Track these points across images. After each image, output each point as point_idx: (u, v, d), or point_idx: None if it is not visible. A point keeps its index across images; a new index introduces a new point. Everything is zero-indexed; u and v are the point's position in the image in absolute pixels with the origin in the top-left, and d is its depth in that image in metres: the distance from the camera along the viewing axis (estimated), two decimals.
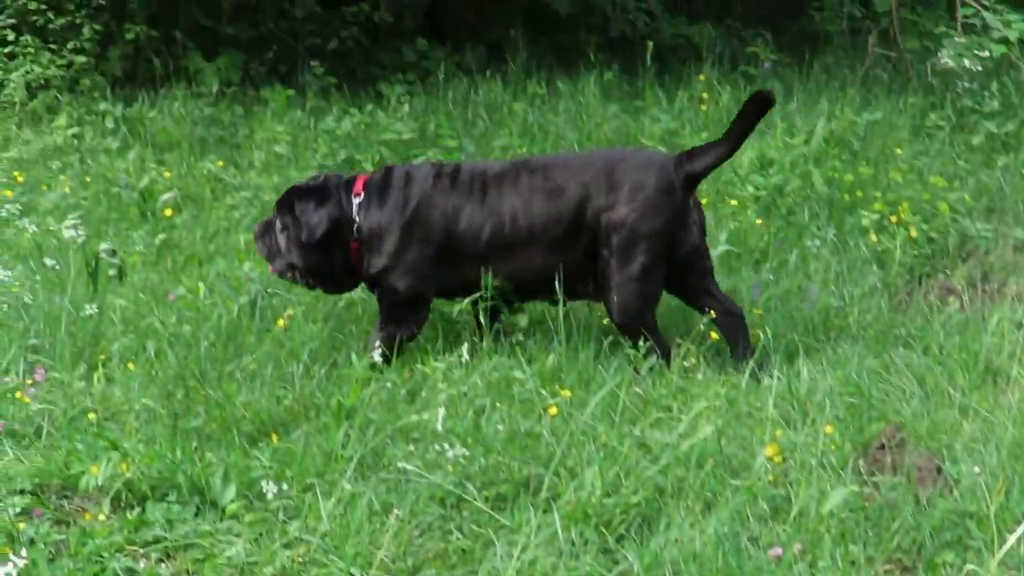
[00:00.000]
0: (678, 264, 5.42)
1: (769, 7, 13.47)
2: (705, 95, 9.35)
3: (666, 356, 5.27)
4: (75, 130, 9.24)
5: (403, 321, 5.42)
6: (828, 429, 4.46)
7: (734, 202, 7.27)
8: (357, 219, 5.44)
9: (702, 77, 9.84)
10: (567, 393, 4.75)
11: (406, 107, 9.43)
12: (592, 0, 11.54)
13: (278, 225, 5.52)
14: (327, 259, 5.48)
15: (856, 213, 7.26)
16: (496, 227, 5.36)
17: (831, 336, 5.86)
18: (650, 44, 10.13)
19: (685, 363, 5.18)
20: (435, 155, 8.32)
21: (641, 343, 5.17)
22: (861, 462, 4.43)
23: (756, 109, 5.37)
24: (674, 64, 11.27)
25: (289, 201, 5.50)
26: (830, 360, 5.44)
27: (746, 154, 7.83)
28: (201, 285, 5.88)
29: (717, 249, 6.55)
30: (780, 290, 6.27)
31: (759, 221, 7.03)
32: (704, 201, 7.21)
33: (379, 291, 5.48)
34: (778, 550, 3.77)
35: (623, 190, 5.32)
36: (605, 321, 5.84)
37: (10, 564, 3.48)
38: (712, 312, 5.41)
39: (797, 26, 13.00)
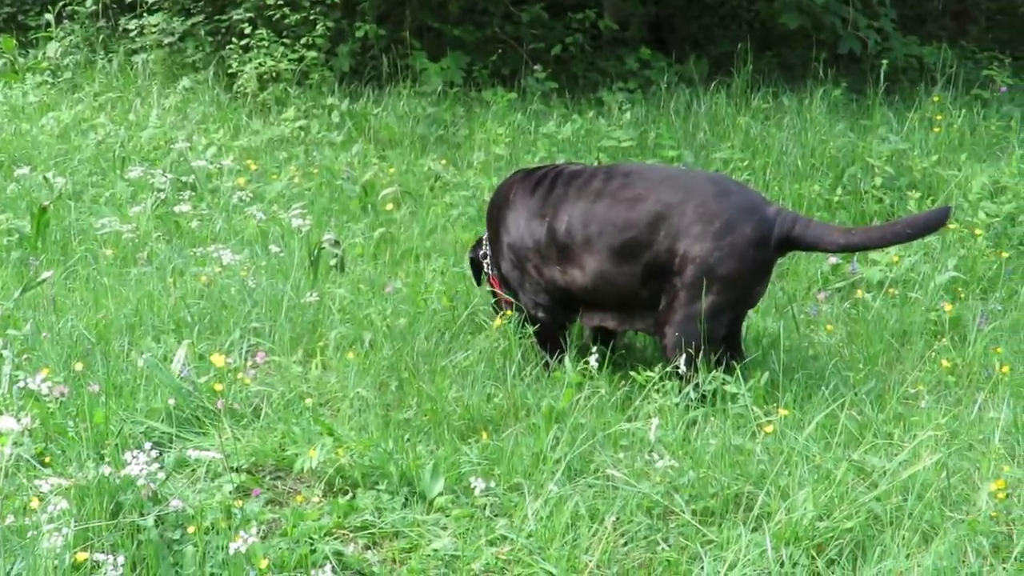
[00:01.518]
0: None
1: (1007, 30, 13.02)
2: (938, 117, 9.08)
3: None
4: (302, 122, 9.54)
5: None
6: None
7: (959, 227, 7.04)
8: None
9: (935, 98, 9.57)
10: (784, 412, 4.66)
11: (627, 115, 9.44)
12: (822, 16, 11.34)
13: None
14: None
15: None
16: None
17: None
18: (884, 63, 9.89)
19: (909, 390, 5.03)
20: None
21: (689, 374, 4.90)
22: None
23: (925, 224, 4.93)
24: (904, 84, 11.00)
25: None
26: None
27: (978, 179, 7.58)
28: (418, 280, 5.99)
29: (944, 274, 6.36)
30: (1008, 321, 6.04)
31: (989, 249, 6.79)
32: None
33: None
34: None
35: (714, 225, 4.94)
36: (820, 341, 5.74)
37: (239, 541, 3.58)
38: (725, 354, 5.12)
39: None
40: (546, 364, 5.35)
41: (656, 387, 4.88)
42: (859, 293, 6.28)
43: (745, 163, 8.28)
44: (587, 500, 4.16)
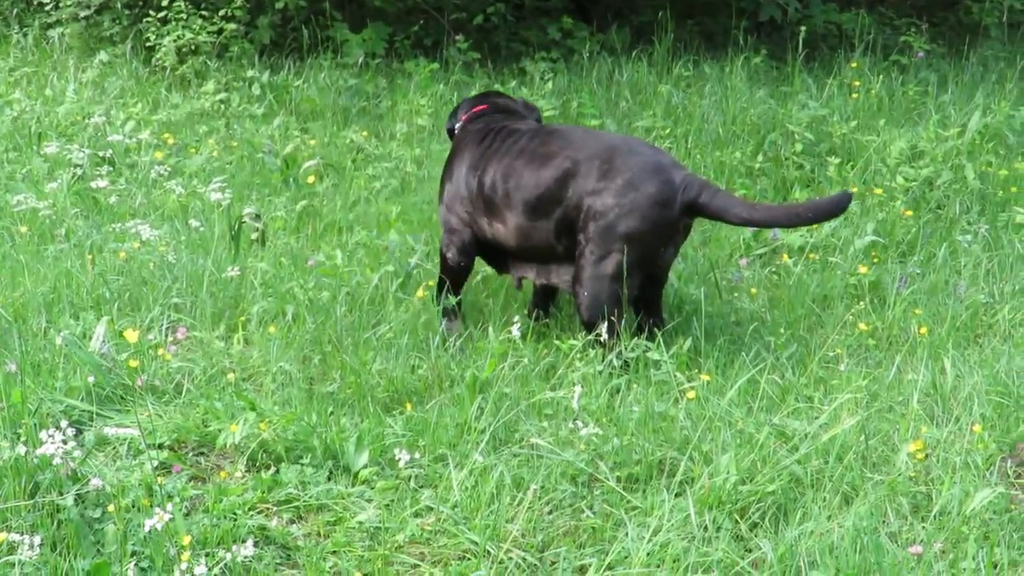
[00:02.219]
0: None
1: None
2: (856, 83, 9.16)
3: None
4: (222, 96, 9.41)
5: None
6: (976, 428, 4.34)
7: (881, 192, 7.11)
8: None
9: (854, 65, 9.65)
10: (706, 377, 4.69)
11: (549, 84, 9.42)
12: None
13: None
14: None
15: (1009, 209, 7.05)
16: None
17: (979, 333, 5.71)
18: (802, 29, 9.95)
19: (828, 353, 5.09)
20: None
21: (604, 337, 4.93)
22: (1008, 463, 4.31)
23: (828, 208, 4.99)
24: (824, 51, 11.07)
25: None
26: (977, 358, 5.28)
27: (896, 144, 7.66)
28: (339, 253, 5.95)
29: (863, 239, 6.42)
30: (927, 284, 6.12)
31: (908, 213, 6.87)
32: (853, 189, 7.08)
33: None
34: (918, 548, 3.67)
35: (616, 182, 4.98)
36: (742, 307, 5.78)
37: (155, 517, 3.54)
38: (646, 320, 5.25)
39: (953, 17, 12.67)
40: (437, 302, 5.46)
41: (579, 356, 4.89)
42: (784, 258, 6.32)
43: (667, 131, 8.30)
44: (512, 469, 4.16)
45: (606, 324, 4.93)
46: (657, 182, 4.95)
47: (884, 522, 3.94)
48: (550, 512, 4.02)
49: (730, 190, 7.43)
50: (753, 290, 5.96)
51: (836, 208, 4.99)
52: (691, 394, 4.57)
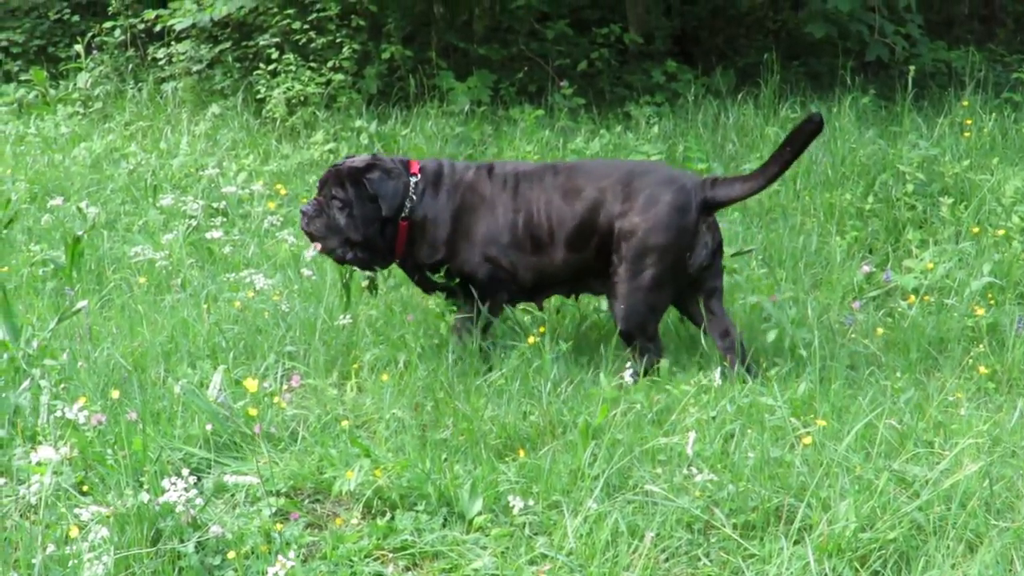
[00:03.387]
0: (687, 282, 5.50)
1: None
2: (968, 122, 9.02)
3: (659, 355, 5.47)
4: (331, 145, 9.57)
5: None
6: None
7: (1000, 232, 6.98)
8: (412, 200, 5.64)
9: (965, 103, 9.52)
10: (822, 423, 4.63)
11: (655, 128, 9.43)
12: (848, 24, 11.30)
13: (336, 203, 5.57)
14: (382, 235, 5.64)
15: None
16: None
17: None
18: (911, 68, 9.84)
19: (948, 397, 4.99)
20: None
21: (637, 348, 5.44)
22: None
23: (803, 138, 5.38)
24: (933, 89, 10.94)
25: (353, 176, 5.56)
26: None
27: (1011, 183, 7.53)
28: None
29: (979, 280, 6.30)
30: None
31: None
32: (975, 230, 6.96)
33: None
34: None
35: (638, 200, 5.42)
36: (856, 351, 5.70)
37: (278, 565, 3.58)
38: (709, 330, 5.55)
39: None
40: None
41: (693, 401, 4.86)
42: (911, 299, 6.22)
43: None
44: (626, 516, 4.13)
45: (640, 334, 5.43)
46: (672, 191, 5.42)
47: (1010, 570, 3.84)
48: (666, 560, 3.99)
49: (841, 232, 7.36)
50: (876, 331, 5.88)
51: (810, 130, 5.37)
52: (807, 439, 4.50)
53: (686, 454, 4.45)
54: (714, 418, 4.75)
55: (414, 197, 5.60)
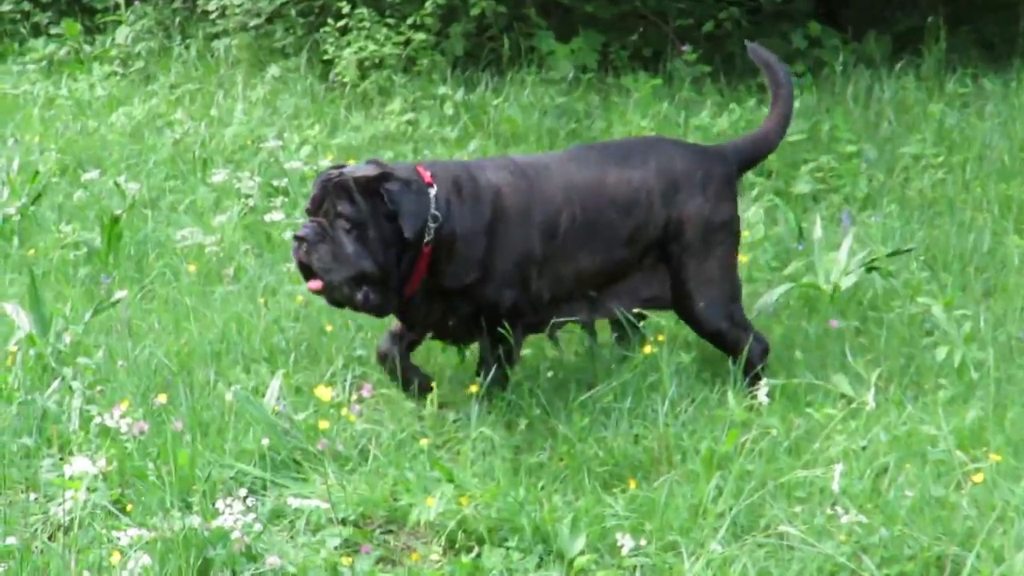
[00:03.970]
0: None
1: None
2: None
3: (766, 353, 5.58)
4: (410, 116, 9.62)
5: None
6: None
7: None
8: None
9: None
10: (995, 458, 4.57)
11: (796, 103, 9.34)
12: None
13: (342, 223, 5.05)
14: (398, 266, 5.17)
15: None
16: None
17: None
18: None
19: None
20: (828, 161, 8.24)
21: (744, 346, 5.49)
22: None
23: (782, 77, 6.03)
24: None
25: (366, 187, 5.07)
26: None
27: None
28: None
29: None
30: None
31: None
32: None
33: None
34: None
35: (695, 179, 5.61)
36: None
37: None
38: None
39: None
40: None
41: (839, 427, 4.83)
42: None
43: (939, 159, 8.17)
44: (757, 562, 4.12)
45: (732, 324, 5.58)
46: (719, 164, 5.70)
47: None
48: None
49: (1019, 230, 7.27)
50: None
51: (778, 72, 6.08)
52: (977, 477, 4.46)
53: (830, 490, 4.43)
54: (864, 448, 4.71)
55: (437, 213, 5.14)
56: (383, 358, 5.44)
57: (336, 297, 5.13)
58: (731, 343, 5.53)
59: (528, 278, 5.34)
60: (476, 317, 5.31)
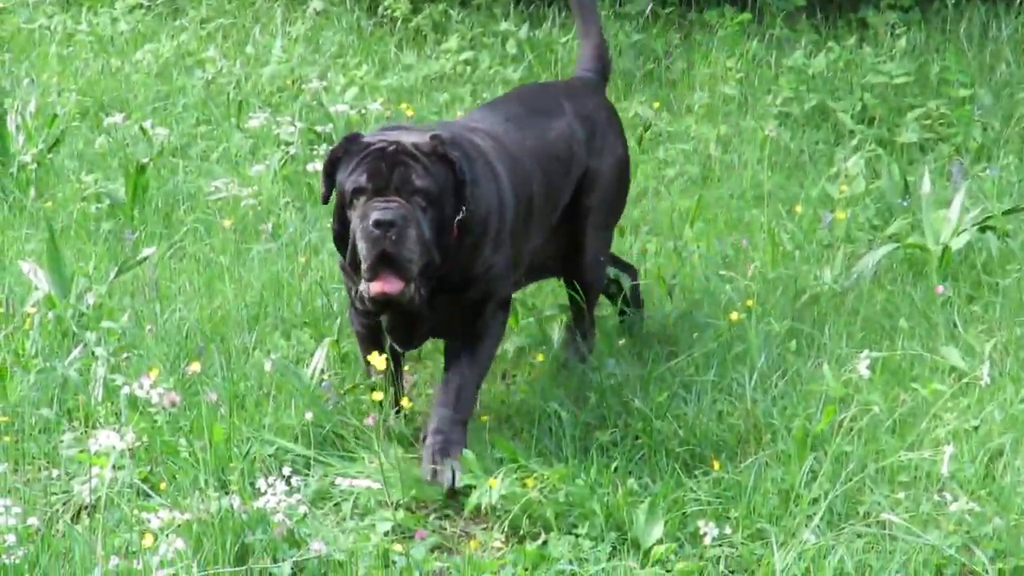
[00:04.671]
0: None
1: None
2: None
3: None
4: (468, 54, 9.63)
5: None
6: None
7: None
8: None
9: None
10: None
11: (901, 41, 9.29)
12: None
13: (419, 200, 4.63)
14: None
15: None
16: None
17: None
18: None
19: None
20: (938, 107, 8.19)
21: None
22: None
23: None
24: None
25: (441, 156, 4.72)
26: None
27: None
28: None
29: None
30: None
31: None
32: None
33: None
34: None
35: (612, 129, 5.72)
36: None
37: None
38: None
39: None
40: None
41: (948, 404, 4.82)
42: None
43: None
44: (855, 554, 4.13)
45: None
46: (604, 97, 5.94)
47: None
48: None
49: None
50: None
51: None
52: None
53: (937, 475, 4.43)
54: (976, 428, 4.71)
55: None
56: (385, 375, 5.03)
57: (402, 302, 4.65)
58: (601, 288, 5.70)
59: (520, 254, 5.19)
60: (470, 311, 4.97)
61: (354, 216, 4.61)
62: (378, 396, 4.78)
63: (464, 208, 4.73)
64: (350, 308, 5.02)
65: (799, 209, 6.83)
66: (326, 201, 4.86)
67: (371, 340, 4.94)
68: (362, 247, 4.55)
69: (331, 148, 4.88)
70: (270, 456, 4.67)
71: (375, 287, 4.53)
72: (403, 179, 4.60)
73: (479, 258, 4.87)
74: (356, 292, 4.70)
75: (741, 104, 8.54)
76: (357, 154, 4.68)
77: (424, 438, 4.78)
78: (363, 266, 4.57)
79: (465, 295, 4.89)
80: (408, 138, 4.73)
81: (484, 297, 4.95)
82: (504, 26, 9.88)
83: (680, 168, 7.61)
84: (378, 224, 4.51)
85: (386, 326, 4.83)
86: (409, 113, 8.54)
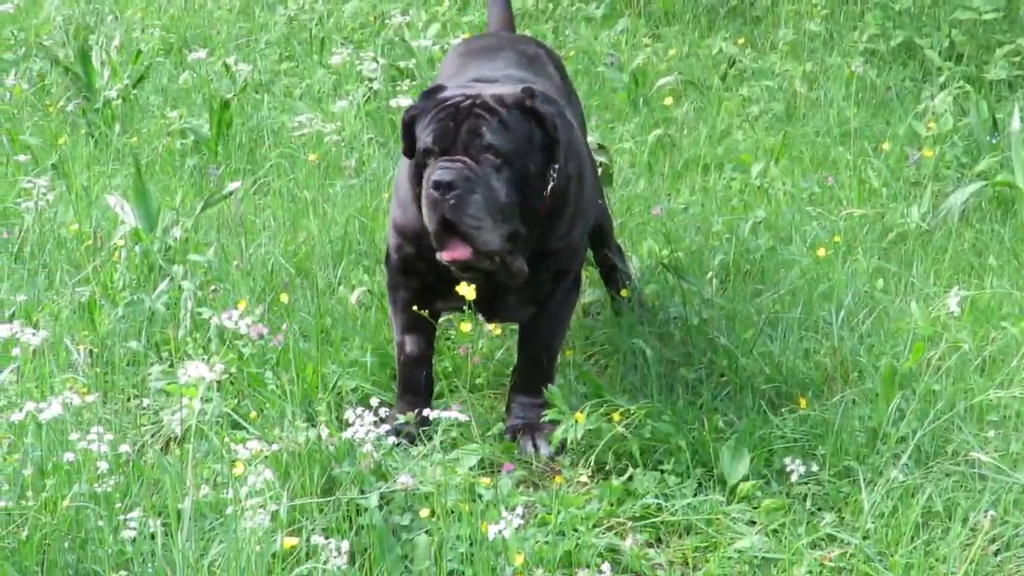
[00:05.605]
0: None
1: None
2: None
3: None
4: None
5: None
6: None
7: None
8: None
9: None
10: None
11: None
12: None
13: (490, 159, 4.27)
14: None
15: None
16: None
17: None
18: None
19: None
20: None
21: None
22: None
23: None
24: None
25: (523, 107, 4.38)
26: None
27: None
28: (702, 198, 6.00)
29: None
30: None
31: None
32: None
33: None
34: None
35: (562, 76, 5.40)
36: None
37: (503, 523, 3.64)
38: None
39: None
40: None
41: None
42: None
43: None
44: (944, 492, 4.12)
45: None
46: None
47: None
48: (997, 553, 3.96)
49: None
50: None
51: None
52: None
53: None
54: None
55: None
56: (418, 362, 4.69)
57: (484, 268, 4.35)
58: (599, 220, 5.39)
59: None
60: (546, 288, 4.65)
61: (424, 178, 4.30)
62: (466, 327, 4.79)
63: (554, 172, 4.39)
64: (396, 275, 4.65)
65: (886, 147, 6.79)
66: (410, 156, 4.48)
67: (411, 315, 4.56)
68: (425, 213, 4.26)
69: (409, 106, 4.57)
70: (351, 391, 4.69)
71: (445, 255, 4.25)
72: (472, 133, 4.26)
73: (557, 229, 4.55)
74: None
75: (826, 41, 8.47)
76: (431, 110, 4.36)
77: (506, 424, 4.70)
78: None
79: (538, 272, 4.53)
80: (492, 90, 4.40)
81: (558, 276, 4.65)
82: None
83: (764, 105, 7.56)
84: (437, 186, 4.19)
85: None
86: None
